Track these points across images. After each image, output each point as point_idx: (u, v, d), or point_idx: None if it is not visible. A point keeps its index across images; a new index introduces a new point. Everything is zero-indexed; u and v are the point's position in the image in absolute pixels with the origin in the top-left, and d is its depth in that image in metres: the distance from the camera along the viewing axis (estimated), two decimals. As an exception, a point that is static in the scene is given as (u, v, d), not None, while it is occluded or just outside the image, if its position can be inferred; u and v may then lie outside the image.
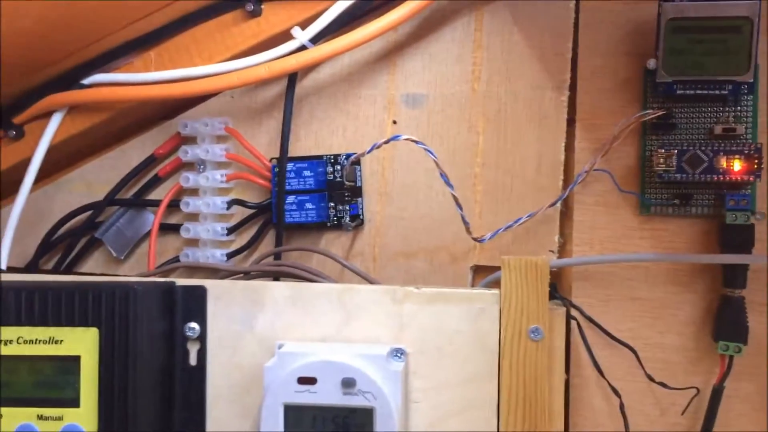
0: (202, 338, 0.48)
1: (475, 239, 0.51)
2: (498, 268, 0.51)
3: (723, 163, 0.48)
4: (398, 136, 0.47)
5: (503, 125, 0.54)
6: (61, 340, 0.44)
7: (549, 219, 0.53)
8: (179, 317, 0.48)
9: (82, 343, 0.44)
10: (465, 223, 0.49)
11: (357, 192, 0.55)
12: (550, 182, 0.53)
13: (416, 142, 0.46)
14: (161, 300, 0.47)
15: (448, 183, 0.46)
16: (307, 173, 0.54)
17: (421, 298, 0.47)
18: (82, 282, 0.49)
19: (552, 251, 0.53)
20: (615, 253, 0.51)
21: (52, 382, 0.44)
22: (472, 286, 0.55)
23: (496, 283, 0.53)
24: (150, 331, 0.46)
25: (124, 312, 0.44)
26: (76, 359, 0.44)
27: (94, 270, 0.60)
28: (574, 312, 0.51)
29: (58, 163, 0.60)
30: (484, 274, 0.55)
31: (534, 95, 0.53)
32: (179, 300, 0.48)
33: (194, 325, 0.48)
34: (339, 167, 0.55)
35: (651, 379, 0.49)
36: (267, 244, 0.57)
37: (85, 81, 0.54)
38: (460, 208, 0.48)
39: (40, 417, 0.44)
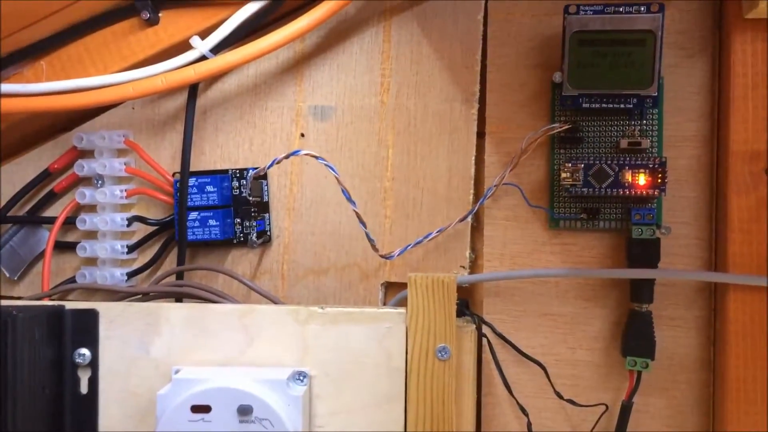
0: (93, 365, 0.45)
1: (382, 256, 0.50)
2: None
3: (628, 177, 0.47)
4: (298, 151, 0.45)
5: (413, 138, 0.53)
6: (-69, 372, 0.41)
7: (460, 234, 0.52)
8: (68, 343, 0.45)
9: (-46, 374, 0.41)
10: (370, 240, 0.47)
11: (264, 207, 0.54)
12: (461, 196, 0.52)
13: (316, 157, 0.44)
14: (47, 325, 0.44)
15: (349, 199, 0.45)
16: (209, 188, 0.52)
17: (325, 318, 0.45)
18: None
19: (463, 267, 0.52)
20: (525, 269, 0.51)
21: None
22: (384, 303, 0.54)
23: (405, 301, 0.52)
24: (34, 358, 0.43)
25: (2, 340, 0.41)
26: (-51, 390, 0.41)
27: None
28: (485, 329, 0.50)
29: None
30: (395, 291, 0.53)
31: (444, 108, 0.52)
32: (68, 324, 0.45)
33: (84, 350, 0.45)
34: (245, 182, 0.53)
35: (560, 396, 0.49)
36: (170, 262, 0.55)
37: None
38: (364, 225, 0.46)
39: None
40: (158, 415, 0.42)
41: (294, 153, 0.45)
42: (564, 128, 0.49)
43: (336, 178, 0.45)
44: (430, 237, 0.51)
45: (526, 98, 0.51)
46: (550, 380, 0.49)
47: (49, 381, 0.44)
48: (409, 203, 0.53)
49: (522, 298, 0.51)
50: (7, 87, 0.51)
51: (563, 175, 0.48)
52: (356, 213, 0.46)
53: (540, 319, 0.51)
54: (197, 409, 0.42)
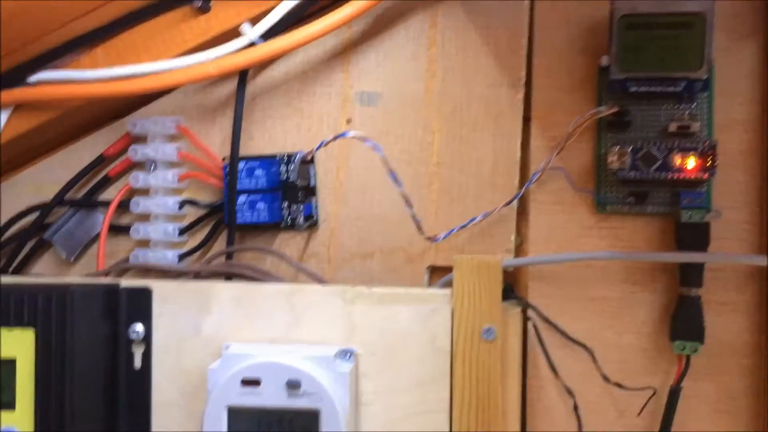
0: (147, 341, 0.46)
1: (428, 238, 0.50)
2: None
3: (677, 160, 0.47)
4: (346, 133, 0.46)
5: (459, 124, 0.53)
6: (-4, 342, 0.43)
7: (505, 218, 0.52)
8: (123, 319, 0.46)
9: (18, 344, 0.43)
10: (416, 222, 0.48)
11: (311, 192, 0.54)
12: (506, 181, 0.52)
13: (363, 139, 0.45)
14: (103, 301, 0.46)
15: (396, 181, 0.45)
16: (258, 172, 0.53)
17: (371, 298, 0.46)
18: (20, 281, 0.47)
19: (508, 251, 0.52)
20: (571, 252, 0.50)
21: (-13, 385, 0.43)
22: (429, 287, 0.54)
23: (451, 284, 0.53)
24: (90, 332, 0.44)
25: (60, 313, 0.43)
26: (12, 362, 0.43)
27: (45, 271, 0.59)
28: (530, 312, 0.50)
29: (6, 164, 0.58)
30: (440, 275, 0.53)
31: (489, 93, 0.53)
32: (123, 301, 0.47)
33: (139, 327, 0.46)
34: (293, 166, 0.54)
35: (606, 379, 0.48)
36: (220, 245, 0.56)
37: (31, 79, 0.53)
38: (410, 206, 0.47)
39: (-25, 420, 0.43)
40: (209, 389, 0.44)
41: (341, 135, 0.46)
42: (611, 111, 0.48)
43: (382, 159, 0.45)
44: (475, 221, 0.51)
45: (573, 83, 0.51)
46: (597, 363, 0.49)
47: (104, 355, 0.46)
48: (454, 188, 0.53)
49: (567, 282, 0.51)
50: (65, 73, 0.53)
51: (610, 158, 0.48)
52: (403, 195, 0.46)
53: (586, 304, 0.51)
54: (247, 382, 0.43)
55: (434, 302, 0.46)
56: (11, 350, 0.43)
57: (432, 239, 0.50)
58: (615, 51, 0.47)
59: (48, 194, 0.57)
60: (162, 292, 0.47)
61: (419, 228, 0.49)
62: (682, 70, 0.47)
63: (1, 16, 0.47)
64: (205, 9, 0.52)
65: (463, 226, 0.51)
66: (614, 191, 0.50)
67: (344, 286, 0.46)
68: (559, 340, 0.50)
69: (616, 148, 0.47)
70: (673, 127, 0.48)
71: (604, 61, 0.48)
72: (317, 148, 0.47)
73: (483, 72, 0.53)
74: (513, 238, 0.52)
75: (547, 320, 0.50)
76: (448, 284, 0.52)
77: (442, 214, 0.53)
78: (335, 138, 0.46)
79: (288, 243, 0.55)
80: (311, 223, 0.54)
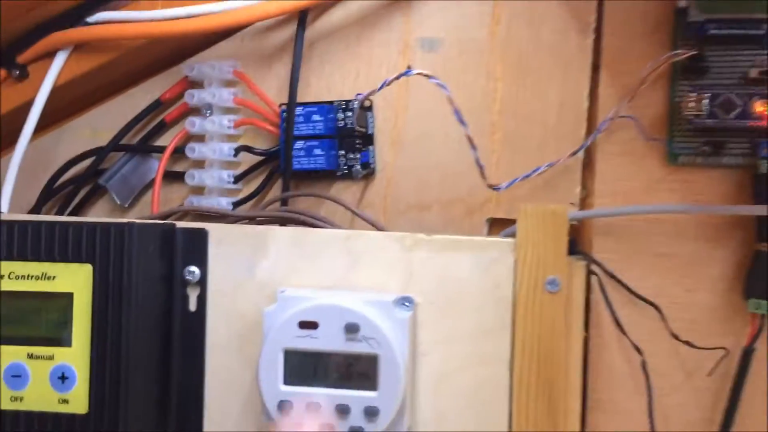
0: (202, 283, 0.46)
1: (490, 186, 0.48)
2: (515, 222, 0.49)
3: (758, 108, 0.44)
4: (409, 72, 0.44)
5: (524, 71, 0.51)
6: (54, 276, 0.43)
7: (570, 170, 0.50)
8: (179, 260, 0.46)
9: (75, 279, 0.42)
10: (479, 166, 0.46)
11: (368, 140, 0.53)
12: (573, 130, 0.50)
13: (429, 76, 0.43)
14: (160, 241, 0.45)
15: (461, 121, 0.44)
16: (316, 118, 0.52)
17: (431, 245, 0.45)
18: (77, 219, 0.47)
19: (573, 204, 0.50)
20: (640, 205, 0.48)
21: (43, 320, 0.43)
22: (488, 240, 0.52)
23: (513, 236, 0.51)
24: (147, 271, 0.44)
25: (119, 249, 0.42)
26: (69, 296, 0.42)
27: (99, 217, 0.58)
28: (594, 268, 0.48)
29: (63, 108, 0.58)
30: (500, 228, 0.52)
31: (557, 39, 0.50)
32: (179, 242, 0.46)
33: (194, 268, 0.46)
34: (350, 113, 0.53)
35: (676, 338, 0.46)
36: (275, 193, 0.55)
37: (90, 19, 0.53)
38: (474, 148, 0.45)
39: (30, 356, 0.43)
40: (265, 331, 0.43)
41: (405, 73, 0.44)
42: (688, 55, 0.46)
43: (448, 97, 0.44)
44: (539, 171, 0.49)
45: (647, 28, 0.49)
46: (665, 321, 0.46)
47: (160, 296, 0.45)
48: (517, 137, 0.51)
49: (635, 236, 0.49)
50: (125, 14, 0.52)
51: (687, 105, 0.45)
52: (468, 137, 0.45)
53: (654, 259, 0.48)
54: (305, 324, 0.42)
55: (496, 251, 0.44)
56: (68, 285, 0.42)
57: (494, 187, 0.48)
58: (694, -8, 0.45)
59: (104, 139, 0.57)
60: (218, 234, 0.46)
61: (482, 173, 0.47)
62: (765, 12, 0.44)
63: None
64: (266, -53, 0.51)
65: (527, 176, 0.49)
66: (688, 141, 0.48)
67: (403, 233, 0.45)
68: (625, 296, 0.48)
69: (693, 95, 0.45)
70: (754, 72, 0.46)
71: (682, 2, 0.46)
72: (380, 88, 0.46)
73: (550, 17, 0.51)
74: (578, 190, 0.50)
75: (612, 276, 0.48)
76: (510, 236, 0.51)
77: (503, 165, 0.51)
78: (398, 77, 0.44)
79: (343, 192, 0.54)
80: (368, 172, 0.53)
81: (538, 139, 0.51)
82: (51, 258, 0.43)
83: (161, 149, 0.56)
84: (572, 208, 0.50)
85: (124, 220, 0.43)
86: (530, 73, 0.51)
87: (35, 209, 0.57)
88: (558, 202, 0.51)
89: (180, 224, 0.47)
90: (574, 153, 0.49)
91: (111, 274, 0.42)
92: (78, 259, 0.43)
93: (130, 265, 0.42)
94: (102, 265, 0.42)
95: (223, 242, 0.46)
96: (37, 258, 0.43)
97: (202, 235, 0.46)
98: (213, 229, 0.47)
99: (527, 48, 0.51)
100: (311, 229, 0.48)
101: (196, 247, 0.46)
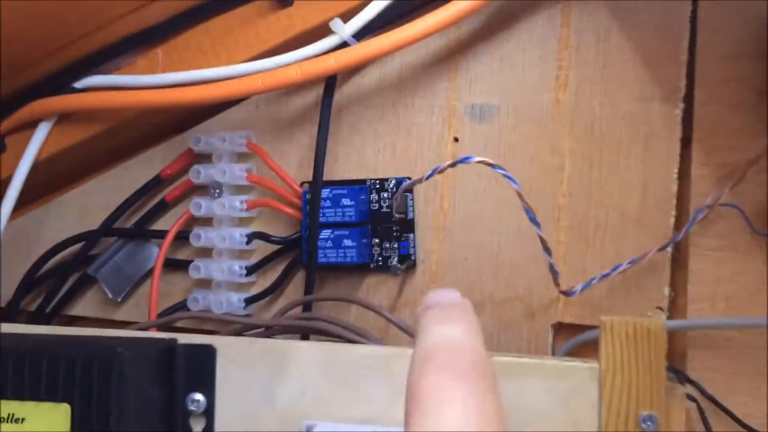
0: (208, 413, 0.37)
1: (562, 292, 0.40)
2: (587, 327, 0.41)
3: None
4: (469, 158, 0.36)
5: (597, 145, 0.43)
6: (23, 419, 0.34)
7: (656, 266, 0.42)
8: (180, 386, 0.37)
9: (49, 422, 0.34)
10: (553, 272, 0.38)
11: (408, 226, 0.45)
12: (658, 218, 0.42)
13: (493, 166, 0.35)
14: (157, 363, 0.37)
15: (534, 220, 0.35)
16: (346, 201, 0.44)
17: (495, 369, 0.36)
18: (53, 334, 0.39)
19: (660, 308, 0.42)
20: (747, 316, 0.39)
21: (9, 472, 0.34)
22: (553, 348, 0.44)
23: (583, 348, 0.43)
24: (140, 407, 0.35)
25: (104, 384, 0.34)
26: (39, 445, 0.34)
27: (87, 312, 0.51)
28: (690, 390, 0.40)
29: (47, 183, 0.51)
30: (567, 335, 0.43)
31: (638, 108, 0.42)
32: (181, 363, 0.37)
33: (199, 396, 0.37)
34: (386, 194, 0.44)
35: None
36: (294, 288, 0.47)
37: (78, 84, 0.45)
38: (549, 253, 0.37)
39: None
40: (288, 485, 0.34)
41: (463, 160, 0.36)
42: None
43: (518, 192, 0.35)
44: (620, 269, 0.40)
45: (746, 95, 0.40)
46: (786, 463, 0.37)
47: (157, 429, 0.37)
48: (589, 226, 0.43)
49: (739, 351, 0.40)
50: (118, 78, 0.45)
51: (809, 194, 0.37)
52: (541, 238, 0.36)
53: (764, 382, 0.40)
54: (340, 477, 0.33)
55: (575, 377, 0.35)
56: (40, 428, 0.34)
57: (567, 293, 0.40)
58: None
59: (94, 221, 0.49)
60: (228, 351, 0.38)
61: (556, 280, 0.38)
62: None
63: (39, 8, 0.39)
64: (286, 2, 0.43)
65: (606, 275, 0.40)
66: (808, 237, 0.39)
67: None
68: (728, 426, 0.39)
69: (818, 182, 0.36)
70: None
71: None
72: (429, 176, 0.37)
73: (630, 82, 0.42)
74: (666, 291, 0.42)
75: (715, 402, 0.39)
76: (578, 348, 0.42)
77: (572, 259, 0.43)
78: (454, 164, 0.36)
79: (377, 288, 0.46)
80: (408, 264, 0.44)
81: (615, 227, 0.42)
82: (18, 395, 0.34)
83: (161, 234, 0.48)
84: (658, 315, 0.41)
85: (113, 336, 0.35)
86: (605, 148, 0.43)
87: (13, 303, 0.49)
88: (640, 305, 0.42)
89: (182, 337, 0.38)
90: (663, 247, 0.40)
91: (94, 413, 0.34)
92: (53, 397, 0.34)
93: (118, 401, 0.34)
94: (82, 403, 0.34)
95: (236, 362, 0.38)
96: (2, 395, 0.34)
97: (209, 353, 0.38)
98: (223, 344, 0.38)
99: (601, 118, 0.43)
100: (343, 345, 0.39)
101: (202, 369, 0.38)
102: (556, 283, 0.39)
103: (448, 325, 0.26)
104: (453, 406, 0.23)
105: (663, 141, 0.42)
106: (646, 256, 0.40)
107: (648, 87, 0.42)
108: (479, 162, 0.35)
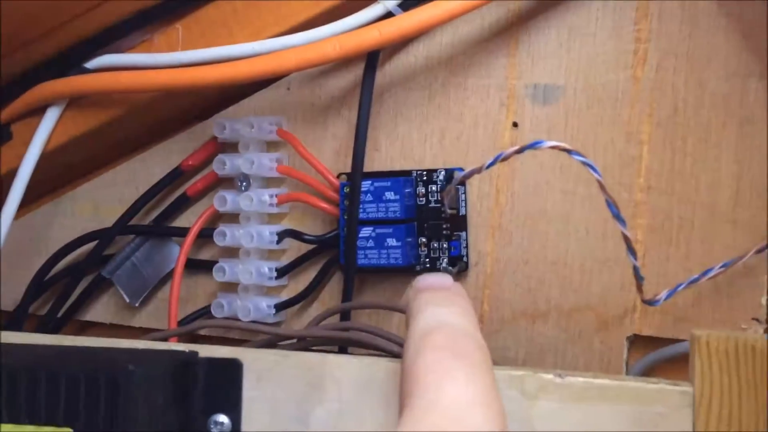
0: (233, 438, 0.33)
1: (645, 301, 0.34)
2: (667, 341, 0.35)
3: None
4: (540, 142, 0.30)
5: (681, 131, 0.37)
6: (19, 446, 0.30)
7: (751, 271, 0.36)
8: (201, 406, 0.33)
9: (49, 450, 0.30)
10: (638, 278, 0.32)
11: (460, 224, 0.40)
12: (755, 216, 0.36)
13: (570, 152, 0.29)
14: (174, 381, 0.32)
15: (618, 217, 0.30)
16: (389, 195, 0.39)
17: (565, 391, 0.31)
18: (55, 353, 0.35)
19: (757, 319, 0.36)
20: None
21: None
22: (628, 364, 0.38)
23: (659, 365, 0.37)
24: (154, 430, 0.31)
25: (111, 405, 0.29)
26: (37, 476, 0.29)
27: (101, 318, 0.47)
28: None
29: (57, 176, 0.48)
30: (644, 349, 0.38)
31: (731, 87, 0.37)
32: (201, 380, 0.33)
33: (223, 418, 0.33)
34: (434, 187, 0.39)
35: None
36: (330, 292, 0.43)
37: (89, 64, 0.42)
38: (634, 254, 0.31)
39: None
40: None
41: (533, 145, 0.30)
42: None
43: (599, 182, 0.30)
44: (710, 274, 0.35)
45: None
46: None
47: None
48: (672, 224, 0.37)
49: None
50: (135, 57, 0.41)
51: None
52: (626, 237, 0.31)
53: None
54: None
55: (662, 403, 0.30)
56: (39, 457, 0.30)
57: (651, 302, 0.34)
58: None
59: (109, 217, 0.46)
60: (256, 366, 0.33)
61: (639, 287, 0.33)
62: None
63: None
64: (321, -32, 0.38)
65: (694, 281, 0.35)
66: None
67: (522, 371, 0.31)
68: (843, 460, 0.34)
69: None
70: None
71: None
72: (491, 164, 0.32)
73: (720, 57, 0.37)
74: (764, 300, 0.36)
75: (827, 432, 0.33)
76: (656, 365, 0.37)
77: (652, 261, 0.37)
78: (521, 150, 0.30)
79: (425, 293, 0.41)
80: (460, 268, 0.39)
81: (703, 226, 0.37)
82: (15, 419, 0.30)
83: (182, 232, 0.44)
84: (756, 327, 0.36)
85: (125, 348, 0.30)
86: (690, 135, 0.37)
87: (21, 307, 0.46)
88: (733, 315, 0.37)
89: (203, 350, 0.34)
90: (761, 249, 0.35)
91: (100, 441, 0.29)
92: (53, 421, 0.30)
93: (128, 429, 0.29)
94: (87, 429, 0.29)
95: (265, 379, 0.33)
96: (-5, 419, 0.30)
97: (235, 368, 0.33)
98: (250, 359, 0.33)
99: (686, 99, 0.37)
100: (387, 360, 0.34)
101: (226, 387, 0.33)
102: (640, 291, 0.33)
103: (443, 308, 0.26)
104: (455, 382, 0.22)
105: (760, 126, 0.36)
106: (742, 260, 0.35)
107: (743, 62, 0.36)
108: (552, 147, 0.29)
